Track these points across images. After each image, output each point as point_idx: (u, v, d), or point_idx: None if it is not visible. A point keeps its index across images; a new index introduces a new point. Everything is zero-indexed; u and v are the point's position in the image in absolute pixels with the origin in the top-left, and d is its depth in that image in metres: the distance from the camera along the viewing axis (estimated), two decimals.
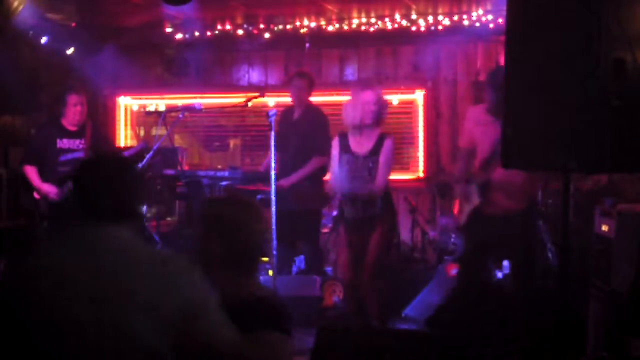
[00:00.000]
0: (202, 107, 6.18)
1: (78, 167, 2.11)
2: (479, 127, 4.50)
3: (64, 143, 5.72)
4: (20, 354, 1.82)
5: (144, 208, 5.82)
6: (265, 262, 5.95)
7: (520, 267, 4.48)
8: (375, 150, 4.65)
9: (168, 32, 7.33)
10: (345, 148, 4.74)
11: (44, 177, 5.65)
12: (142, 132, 8.13)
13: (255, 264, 2.37)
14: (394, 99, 7.29)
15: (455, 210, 4.75)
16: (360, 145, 4.70)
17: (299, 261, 6.02)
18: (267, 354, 2.05)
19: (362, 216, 4.67)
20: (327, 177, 5.87)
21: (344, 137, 4.78)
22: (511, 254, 4.60)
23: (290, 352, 2.16)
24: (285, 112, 5.95)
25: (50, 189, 5.58)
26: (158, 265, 1.89)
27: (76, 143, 5.75)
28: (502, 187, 4.35)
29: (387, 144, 4.66)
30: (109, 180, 2.00)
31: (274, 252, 4.61)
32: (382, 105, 4.74)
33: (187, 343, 1.86)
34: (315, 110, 5.96)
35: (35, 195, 5.68)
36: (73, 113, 5.69)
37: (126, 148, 6.84)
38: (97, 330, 1.79)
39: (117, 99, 8.02)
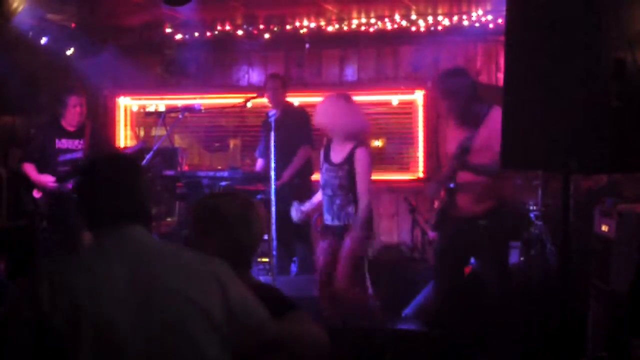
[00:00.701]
0: (202, 107, 6.20)
1: (88, 168, 2.05)
2: (450, 132, 4.64)
3: (62, 143, 5.73)
4: None
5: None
6: (265, 263, 5.98)
7: (488, 269, 4.49)
8: (349, 159, 4.63)
9: (168, 32, 7.33)
10: (326, 157, 4.79)
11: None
12: (142, 133, 8.13)
13: (251, 259, 2.38)
14: (394, 99, 7.30)
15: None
16: (337, 154, 4.72)
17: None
18: (309, 328, 2.10)
19: (336, 223, 4.70)
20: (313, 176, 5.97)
21: (328, 146, 4.82)
22: (478, 256, 4.60)
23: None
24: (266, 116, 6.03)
25: (47, 179, 5.59)
26: (200, 265, 1.86)
27: (75, 143, 5.76)
28: (466, 189, 4.36)
29: (360, 153, 4.62)
30: (124, 180, 1.95)
31: (274, 253, 4.61)
32: (354, 116, 4.75)
33: (240, 341, 1.84)
34: (294, 108, 6.18)
35: (35, 194, 5.68)
36: (72, 114, 5.71)
37: (125, 148, 6.84)
38: (150, 338, 1.74)
39: (117, 99, 8.02)
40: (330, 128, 4.74)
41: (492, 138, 4.27)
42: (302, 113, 6.11)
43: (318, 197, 4.94)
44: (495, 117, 4.36)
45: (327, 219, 4.79)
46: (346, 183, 4.63)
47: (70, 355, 1.74)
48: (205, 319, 1.79)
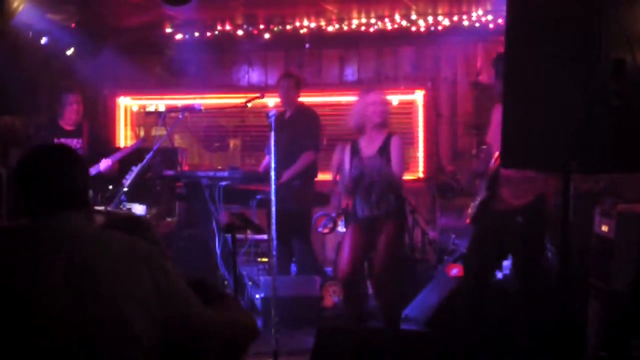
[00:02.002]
0: (202, 107, 6.19)
1: (22, 160, 2.10)
2: (497, 116, 4.59)
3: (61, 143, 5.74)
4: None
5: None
6: (265, 263, 5.98)
7: (521, 264, 4.48)
8: (384, 149, 4.79)
9: (168, 32, 7.33)
10: (355, 152, 4.90)
11: None
12: (142, 133, 8.13)
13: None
14: (394, 99, 7.29)
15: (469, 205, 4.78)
16: (369, 146, 4.86)
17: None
18: (239, 313, 2.10)
19: (375, 214, 4.75)
20: (318, 177, 5.97)
21: (355, 143, 4.95)
22: (513, 251, 4.59)
23: None
24: (279, 115, 5.99)
25: None
26: (130, 250, 1.88)
27: (74, 143, 5.78)
28: (508, 182, 4.36)
29: (395, 141, 4.82)
30: (58, 166, 1.99)
31: (274, 253, 4.61)
32: (387, 105, 5.01)
33: (171, 326, 1.86)
34: (305, 109, 6.09)
35: None
36: (69, 112, 5.76)
37: (125, 147, 6.84)
38: (83, 324, 1.76)
39: (117, 99, 8.02)
40: (363, 123, 4.88)
41: None
42: (313, 115, 6.03)
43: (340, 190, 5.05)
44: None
45: (363, 210, 4.80)
46: (385, 170, 4.74)
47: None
48: (137, 304, 1.81)
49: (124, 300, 1.79)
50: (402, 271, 5.79)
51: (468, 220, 4.73)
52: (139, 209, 5.69)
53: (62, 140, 5.74)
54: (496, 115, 4.73)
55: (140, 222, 2.25)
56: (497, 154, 4.47)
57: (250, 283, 5.72)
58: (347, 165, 4.91)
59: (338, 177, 5.00)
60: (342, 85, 7.35)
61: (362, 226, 4.84)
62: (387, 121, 4.94)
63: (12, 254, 1.90)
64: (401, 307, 5.17)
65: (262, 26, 7.15)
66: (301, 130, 5.86)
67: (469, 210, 4.64)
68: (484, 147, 4.89)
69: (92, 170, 5.62)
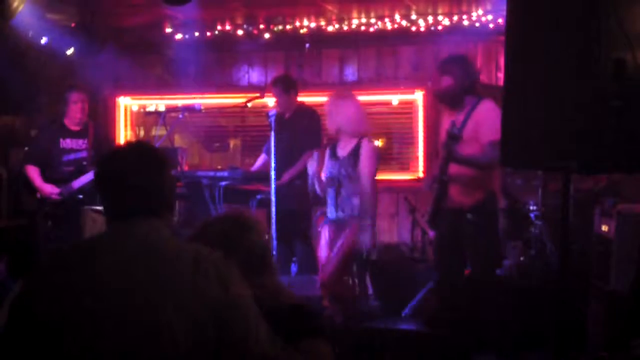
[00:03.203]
0: (202, 107, 6.19)
1: (101, 160, 1.99)
2: (443, 120, 4.72)
3: (67, 143, 5.73)
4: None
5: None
6: None
7: (478, 262, 4.47)
8: (354, 152, 4.84)
9: (168, 32, 7.32)
10: (333, 154, 4.99)
11: (47, 178, 5.67)
12: (142, 133, 8.13)
13: (263, 264, 2.25)
14: (394, 99, 7.29)
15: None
16: (344, 149, 4.93)
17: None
18: None
19: (340, 216, 4.86)
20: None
21: (334, 145, 5.03)
22: (468, 250, 4.57)
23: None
24: (279, 114, 5.98)
25: (52, 190, 5.59)
26: (190, 264, 1.80)
27: (79, 143, 5.77)
28: (456, 181, 4.36)
29: (365, 145, 4.85)
30: (131, 169, 1.91)
31: (274, 253, 4.61)
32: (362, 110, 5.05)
33: (223, 345, 1.76)
34: (305, 109, 6.09)
35: (38, 194, 5.68)
36: (74, 110, 5.71)
37: None
38: (131, 332, 1.73)
39: (117, 99, 8.02)
40: (337, 128, 4.95)
41: (479, 130, 4.30)
42: (313, 115, 6.01)
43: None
44: (482, 109, 4.37)
45: (332, 212, 4.93)
46: (352, 174, 4.80)
47: (54, 349, 1.75)
48: (188, 319, 1.74)
49: (174, 314, 1.72)
50: (396, 270, 5.82)
51: (428, 222, 4.77)
52: None
53: (68, 140, 5.73)
54: (443, 119, 4.79)
55: (241, 223, 2.24)
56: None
57: None
58: (325, 166, 5.02)
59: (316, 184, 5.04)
60: (342, 85, 7.34)
61: (331, 227, 4.94)
62: (360, 128, 4.95)
63: (80, 257, 1.86)
64: (399, 308, 5.18)
65: (262, 26, 7.15)
66: (301, 130, 5.86)
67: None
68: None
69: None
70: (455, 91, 4.44)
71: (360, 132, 4.93)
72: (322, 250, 4.99)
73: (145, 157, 1.95)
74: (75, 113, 5.71)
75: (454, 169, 4.34)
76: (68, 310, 1.76)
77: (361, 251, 4.78)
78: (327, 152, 5.03)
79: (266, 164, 5.94)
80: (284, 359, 1.85)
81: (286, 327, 1.97)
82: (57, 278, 1.82)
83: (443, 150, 4.36)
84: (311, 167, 5.05)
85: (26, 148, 6.06)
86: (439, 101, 4.90)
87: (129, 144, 2.10)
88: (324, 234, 5.00)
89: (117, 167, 1.93)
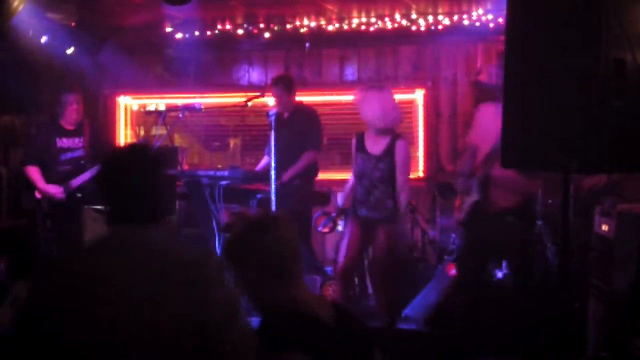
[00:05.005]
0: (202, 106, 6.19)
1: (109, 161, 1.98)
2: (485, 125, 4.58)
3: (63, 142, 5.75)
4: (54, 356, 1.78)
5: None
6: None
7: (517, 266, 4.49)
8: (389, 151, 4.66)
9: (168, 32, 7.32)
10: (361, 147, 4.78)
11: (46, 177, 5.67)
12: (142, 132, 8.13)
13: (290, 272, 2.19)
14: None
15: (457, 205, 4.77)
16: (375, 146, 4.73)
17: None
18: None
19: (373, 216, 4.72)
20: (318, 176, 5.96)
21: (361, 137, 4.83)
22: (508, 252, 4.60)
23: None
24: (279, 114, 5.98)
25: (55, 190, 5.60)
26: (188, 267, 1.81)
27: (75, 142, 5.79)
28: (499, 185, 4.36)
29: (400, 145, 4.67)
30: (143, 178, 1.92)
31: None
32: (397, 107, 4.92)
33: (210, 350, 1.78)
34: (305, 109, 6.08)
35: (37, 194, 5.68)
36: (70, 112, 5.75)
37: None
38: (130, 333, 1.75)
39: (117, 98, 8.02)
40: (368, 120, 4.75)
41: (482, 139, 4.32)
42: (312, 115, 6.01)
43: (349, 184, 4.95)
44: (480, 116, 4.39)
45: (362, 211, 4.77)
46: (387, 175, 4.63)
47: (58, 348, 1.78)
48: (182, 324, 1.76)
49: (171, 316, 1.74)
50: (402, 273, 5.81)
51: (459, 222, 4.74)
52: None
53: (64, 139, 5.74)
54: (481, 115, 4.74)
55: (258, 228, 2.17)
56: (483, 154, 4.48)
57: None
58: (354, 159, 4.85)
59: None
60: (342, 85, 7.34)
61: (360, 224, 4.81)
62: (392, 123, 4.81)
63: (81, 260, 1.88)
64: (400, 307, 5.17)
65: (262, 25, 7.15)
66: (301, 130, 5.86)
67: (459, 214, 4.64)
68: (465, 148, 4.90)
69: (93, 171, 5.64)
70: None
71: (390, 128, 4.72)
72: (342, 244, 4.85)
73: (144, 161, 1.96)
74: (71, 114, 5.75)
75: (497, 171, 4.33)
76: (70, 311, 1.78)
77: (405, 250, 4.71)
78: (354, 143, 4.83)
79: (268, 164, 5.95)
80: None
81: (284, 335, 1.96)
82: (60, 281, 1.84)
83: (486, 161, 4.32)
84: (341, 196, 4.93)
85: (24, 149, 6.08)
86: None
87: (128, 148, 2.12)
88: (348, 228, 4.86)
89: (117, 171, 1.94)
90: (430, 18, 6.80)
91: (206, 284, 1.81)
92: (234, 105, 6.50)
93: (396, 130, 4.82)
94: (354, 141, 4.84)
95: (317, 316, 2.09)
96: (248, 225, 2.21)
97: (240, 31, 7.22)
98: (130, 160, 1.96)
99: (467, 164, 4.68)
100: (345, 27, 7.04)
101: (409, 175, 4.71)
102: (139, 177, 1.92)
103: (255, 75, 7.75)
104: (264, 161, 6.27)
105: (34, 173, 5.67)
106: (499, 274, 5.30)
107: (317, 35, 7.13)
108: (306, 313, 2.08)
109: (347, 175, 5.12)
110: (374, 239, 4.74)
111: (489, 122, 4.44)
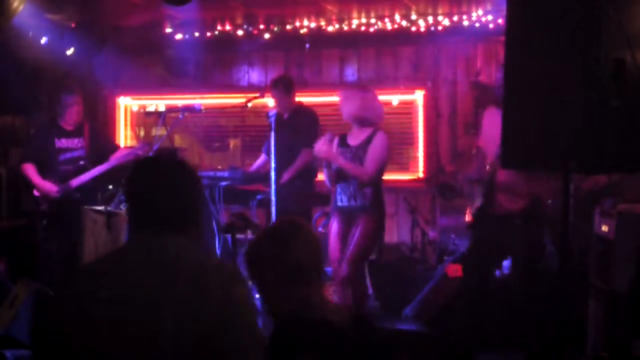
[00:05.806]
0: (202, 107, 6.18)
1: (135, 169, 1.94)
2: (490, 131, 4.59)
3: (62, 143, 5.74)
4: None
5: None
6: None
7: (521, 268, 4.49)
8: (367, 142, 4.78)
9: (168, 32, 7.33)
10: (343, 143, 4.91)
11: (46, 177, 5.67)
12: (142, 133, 8.13)
13: (309, 276, 2.19)
14: (394, 99, 7.29)
15: (468, 209, 4.79)
16: (356, 139, 4.87)
17: None
18: None
19: (352, 204, 4.76)
20: (318, 177, 5.95)
21: (343, 135, 4.96)
22: (512, 253, 4.61)
23: None
24: (278, 114, 5.98)
25: (50, 188, 5.59)
26: (199, 276, 1.79)
27: (75, 142, 5.77)
28: (504, 188, 4.37)
29: (379, 136, 4.78)
30: (171, 185, 1.87)
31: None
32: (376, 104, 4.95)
33: (215, 352, 1.76)
34: (304, 109, 6.07)
35: (35, 192, 5.68)
36: (70, 113, 5.73)
37: (127, 148, 6.84)
38: (153, 342, 1.73)
39: (117, 99, 8.02)
40: (348, 115, 4.89)
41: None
42: (311, 115, 6.00)
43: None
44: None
45: (343, 200, 4.83)
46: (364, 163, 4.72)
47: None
48: (190, 329, 1.75)
49: (193, 326, 1.73)
50: (396, 271, 5.82)
51: (467, 226, 4.75)
52: None
53: (63, 139, 5.73)
54: (487, 121, 4.75)
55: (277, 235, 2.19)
56: (490, 159, 4.48)
57: (250, 284, 5.71)
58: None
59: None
60: (342, 85, 7.33)
61: (341, 215, 4.86)
62: (374, 118, 4.91)
63: (107, 268, 1.86)
64: (400, 307, 5.17)
65: (262, 26, 7.15)
66: (300, 130, 5.85)
67: (467, 217, 4.66)
68: (475, 151, 4.90)
69: (92, 172, 5.65)
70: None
71: (372, 121, 4.85)
72: (332, 242, 4.88)
73: (178, 174, 1.92)
74: (71, 115, 5.74)
75: (503, 175, 4.34)
76: (93, 319, 1.76)
77: (370, 254, 4.73)
78: (336, 142, 4.93)
79: (264, 164, 5.94)
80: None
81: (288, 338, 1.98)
82: (84, 289, 1.82)
83: (495, 163, 4.33)
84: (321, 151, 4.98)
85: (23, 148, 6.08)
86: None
87: (161, 158, 2.08)
88: (333, 225, 4.91)
89: (149, 183, 1.90)
90: (430, 19, 6.80)
91: (213, 292, 1.79)
92: (234, 106, 6.50)
93: (379, 125, 4.93)
94: (335, 140, 4.92)
95: (330, 322, 2.09)
96: (270, 234, 2.23)
97: (240, 32, 7.23)
98: (163, 171, 1.91)
99: (476, 170, 4.70)
100: (345, 27, 7.04)
101: (377, 167, 4.74)
102: (172, 187, 1.88)
103: (255, 75, 7.75)
104: (259, 160, 6.26)
105: (29, 169, 5.67)
106: (498, 274, 5.31)
107: (317, 35, 7.14)
108: (318, 318, 2.08)
109: None
110: (353, 231, 4.76)
111: (495, 127, 4.45)
